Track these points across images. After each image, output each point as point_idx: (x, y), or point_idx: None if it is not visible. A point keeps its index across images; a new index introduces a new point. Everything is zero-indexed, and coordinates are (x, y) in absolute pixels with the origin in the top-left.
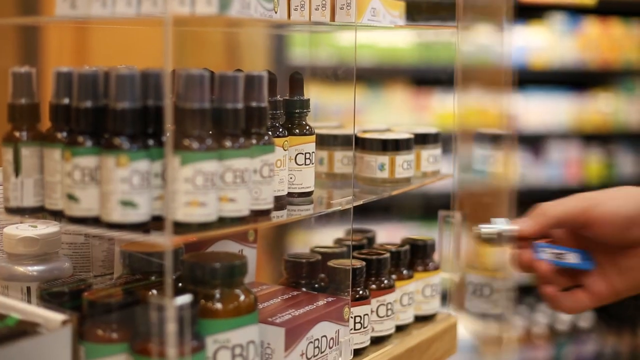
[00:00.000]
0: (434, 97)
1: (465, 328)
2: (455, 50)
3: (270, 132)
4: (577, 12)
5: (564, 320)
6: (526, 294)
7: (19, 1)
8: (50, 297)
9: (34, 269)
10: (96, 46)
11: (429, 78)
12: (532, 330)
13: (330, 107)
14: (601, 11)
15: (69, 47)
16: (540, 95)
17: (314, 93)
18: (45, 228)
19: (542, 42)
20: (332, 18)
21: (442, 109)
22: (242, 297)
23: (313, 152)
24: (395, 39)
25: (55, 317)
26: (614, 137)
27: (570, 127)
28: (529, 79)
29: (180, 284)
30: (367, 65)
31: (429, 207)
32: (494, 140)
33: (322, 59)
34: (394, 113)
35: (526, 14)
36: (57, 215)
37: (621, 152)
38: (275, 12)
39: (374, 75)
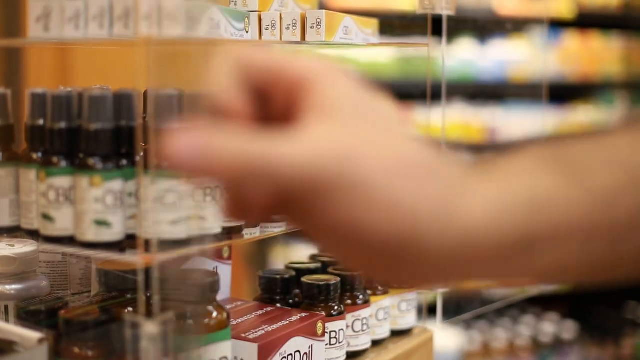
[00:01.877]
0: (416, 111)
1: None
2: (428, 66)
3: None
4: (556, 25)
5: (547, 332)
6: (509, 306)
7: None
8: (27, 315)
9: (11, 288)
10: (78, 67)
11: (410, 92)
12: (515, 342)
13: None
14: (581, 24)
15: (50, 68)
16: (521, 108)
17: None
18: (22, 247)
19: (522, 56)
20: (303, 37)
21: (423, 123)
22: (214, 314)
23: None
24: (376, 54)
25: (32, 335)
26: None
27: None
28: (510, 92)
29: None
30: None
31: None
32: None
33: None
34: None
35: (506, 27)
36: (33, 234)
37: None
38: (247, 32)
39: None
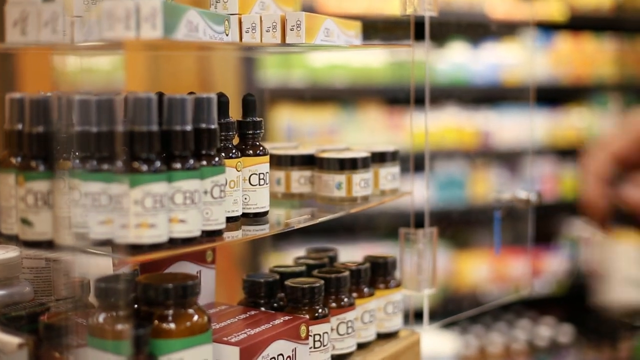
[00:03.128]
0: (408, 115)
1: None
2: (411, 69)
3: (222, 154)
4: (549, 28)
5: (543, 336)
6: (505, 310)
7: None
8: (8, 321)
9: None
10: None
11: (403, 97)
12: (511, 347)
13: (304, 128)
14: (573, 27)
15: (47, 73)
16: (514, 111)
17: (287, 114)
18: (4, 253)
19: (515, 59)
20: (283, 39)
21: (417, 128)
22: (195, 317)
23: (267, 172)
24: (369, 58)
25: (12, 340)
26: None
27: (544, 143)
28: (503, 95)
29: (135, 305)
30: (341, 86)
31: (402, 225)
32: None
33: (295, 80)
34: (368, 133)
35: (499, 31)
36: (12, 239)
37: None
38: (227, 35)
39: (348, 95)
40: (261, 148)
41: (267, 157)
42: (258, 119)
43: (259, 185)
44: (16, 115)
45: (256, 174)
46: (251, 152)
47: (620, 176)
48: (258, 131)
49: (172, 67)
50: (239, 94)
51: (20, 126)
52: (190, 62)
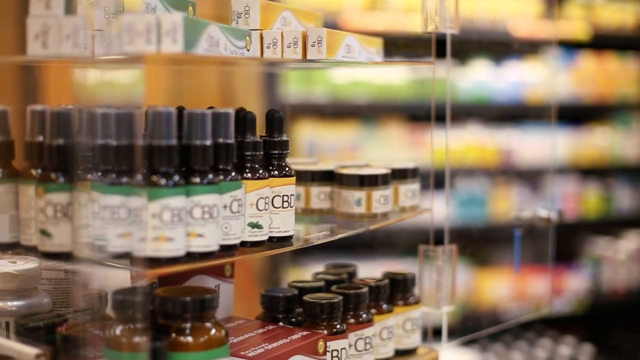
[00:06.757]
0: (429, 133)
1: None
2: (432, 86)
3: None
4: (572, 47)
5: (564, 354)
6: (526, 329)
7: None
8: (26, 331)
9: (13, 304)
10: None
11: (424, 114)
12: None
13: (325, 144)
14: (596, 45)
15: (68, 86)
16: (536, 130)
17: (308, 130)
18: (24, 264)
19: (538, 77)
20: (304, 55)
21: (438, 145)
22: (212, 331)
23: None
24: (390, 75)
25: (29, 350)
26: (611, 171)
27: (567, 162)
28: (525, 114)
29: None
30: (362, 102)
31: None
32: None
33: (316, 96)
34: (389, 149)
35: (521, 49)
36: (31, 250)
37: (619, 186)
38: (248, 50)
39: (369, 112)
40: (287, 169)
41: (294, 179)
42: (285, 139)
43: (282, 207)
44: (37, 127)
45: (280, 196)
46: (276, 172)
47: None
48: (284, 151)
49: (194, 82)
50: (261, 109)
51: (40, 138)
52: (212, 78)
